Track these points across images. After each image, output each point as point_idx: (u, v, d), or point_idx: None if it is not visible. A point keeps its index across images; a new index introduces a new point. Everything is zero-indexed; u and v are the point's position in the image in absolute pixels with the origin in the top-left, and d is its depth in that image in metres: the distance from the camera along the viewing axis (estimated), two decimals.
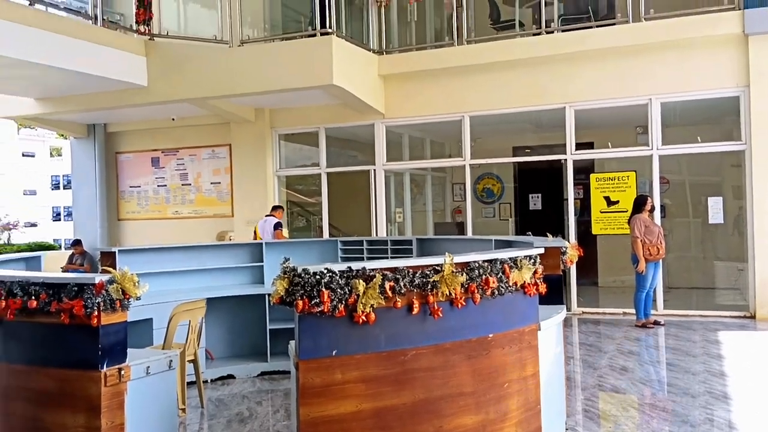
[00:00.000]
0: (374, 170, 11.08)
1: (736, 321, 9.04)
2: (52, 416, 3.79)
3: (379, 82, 10.64)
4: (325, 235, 11.25)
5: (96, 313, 3.65)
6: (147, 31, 10.21)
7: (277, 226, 9.49)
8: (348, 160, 12.51)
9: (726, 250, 11.35)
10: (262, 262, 7.53)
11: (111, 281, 3.75)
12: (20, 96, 11.21)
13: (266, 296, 6.90)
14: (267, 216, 9.90)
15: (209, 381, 6.58)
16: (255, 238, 9.70)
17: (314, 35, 9.53)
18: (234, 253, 7.72)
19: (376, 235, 10.79)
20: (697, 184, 11.91)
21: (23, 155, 55.57)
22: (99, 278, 3.70)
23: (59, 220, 54.87)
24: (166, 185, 12.68)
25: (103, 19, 9.86)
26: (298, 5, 10.96)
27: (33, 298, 3.78)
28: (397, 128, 11.29)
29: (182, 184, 12.59)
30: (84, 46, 9.26)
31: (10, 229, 16.27)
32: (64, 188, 54.51)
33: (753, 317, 9.06)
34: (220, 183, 12.34)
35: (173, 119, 12.01)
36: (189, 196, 12.56)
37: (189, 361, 5.63)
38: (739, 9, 8.94)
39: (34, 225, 23.23)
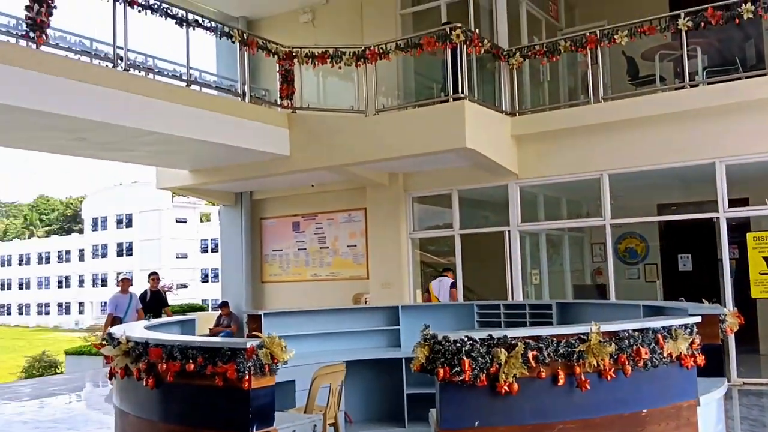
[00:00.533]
0: (509, 231, 10.93)
1: None
2: None
3: (512, 143, 10.60)
4: (460, 298, 11.15)
5: (247, 376, 3.80)
6: (290, 105, 10.86)
7: (453, 285, 10.17)
8: (481, 221, 12.44)
9: None
10: (398, 325, 7.57)
11: (260, 346, 3.91)
12: (176, 168, 12.22)
13: (403, 360, 6.91)
14: (440, 276, 10.45)
15: None
16: (429, 299, 9.91)
17: (447, 101, 9.69)
18: (370, 316, 7.83)
19: (512, 298, 10.54)
20: None
21: (177, 221, 60.11)
22: (250, 343, 3.88)
23: (207, 281, 58.43)
24: (305, 249, 13.20)
25: (250, 96, 10.63)
26: (431, 73, 11.24)
27: (191, 361, 4.01)
28: (532, 188, 11.13)
29: (320, 248, 13.05)
30: (233, 122, 10.00)
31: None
32: (212, 251, 58.21)
33: None
34: (356, 246, 12.67)
35: (312, 186, 12.58)
36: (327, 259, 12.97)
37: (330, 425, 5.69)
38: None
39: (185, 286, 24.95)
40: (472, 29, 10.07)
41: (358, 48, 10.41)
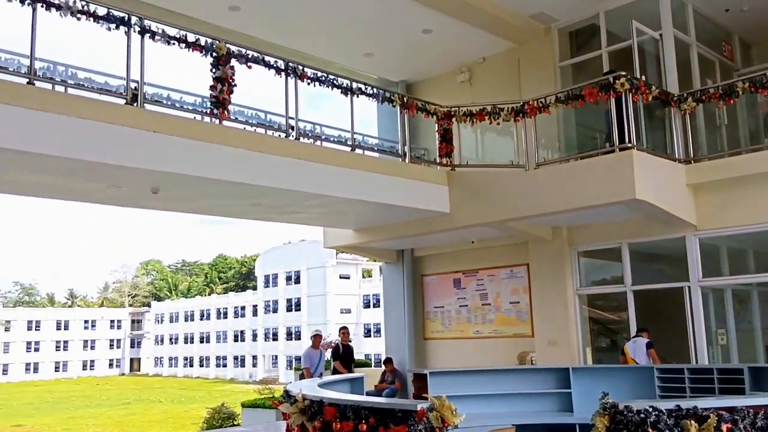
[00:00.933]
0: (689, 287, 10.13)
1: None
2: None
3: (687, 192, 9.93)
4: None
5: None
6: (449, 163, 11.00)
7: (649, 345, 9.42)
8: (655, 276, 11.65)
9: None
10: (569, 387, 7.21)
11: (431, 409, 3.88)
12: (341, 228, 12.74)
13: (577, 426, 6.55)
14: (634, 337, 9.79)
15: None
16: (625, 361, 9.38)
17: (613, 151, 9.33)
18: (538, 377, 7.55)
19: (696, 361, 9.68)
20: None
21: (340, 277, 62.36)
22: (420, 405, 3.86)
23: (369, 336, 59.63)
24: (467, 305, 13.09)
25: (410, 156, 10.92)
26: (594, 123, 10.91)
27: (363, 421, 4.06)
28: (712, 240, 10.29)
29: (482, 304, 12.88)
30: (395, 182, 10.30)
31: (332, 347, 18.00)
32: (373, 306, 59.54)
33: None
34: (518, 302, 12.36)
35: (473, 242, 12.53)
36: (489, 315, 12.76)
37: None
38: None
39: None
40: (638, 76, 9.68)
41: (516, 103, 10.39)
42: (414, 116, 10.92)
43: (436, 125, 11.04)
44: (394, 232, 11.98)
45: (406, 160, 10.85)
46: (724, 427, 3.24)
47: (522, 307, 12.29)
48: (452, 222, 10.90)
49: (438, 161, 11.10)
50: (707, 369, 7.30)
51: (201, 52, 8.46)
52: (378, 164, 10.43)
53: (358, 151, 10.37)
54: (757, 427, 3.23)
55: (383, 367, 13.86)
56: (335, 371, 12.38)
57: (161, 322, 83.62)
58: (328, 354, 12.84)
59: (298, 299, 63.74)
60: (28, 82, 7.06)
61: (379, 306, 57.78)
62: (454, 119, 10.89)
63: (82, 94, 7.53)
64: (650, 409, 3.28)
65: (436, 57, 12.88)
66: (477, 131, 11.35)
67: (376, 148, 11.00)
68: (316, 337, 12.49)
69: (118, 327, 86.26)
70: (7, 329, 73.65)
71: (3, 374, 72.98)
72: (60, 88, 7.38)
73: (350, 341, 13.37)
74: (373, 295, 60.04)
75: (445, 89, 13.23)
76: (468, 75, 13.10)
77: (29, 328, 77.97)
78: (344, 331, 13.11)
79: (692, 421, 3.25)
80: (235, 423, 21.25)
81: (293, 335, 63.64)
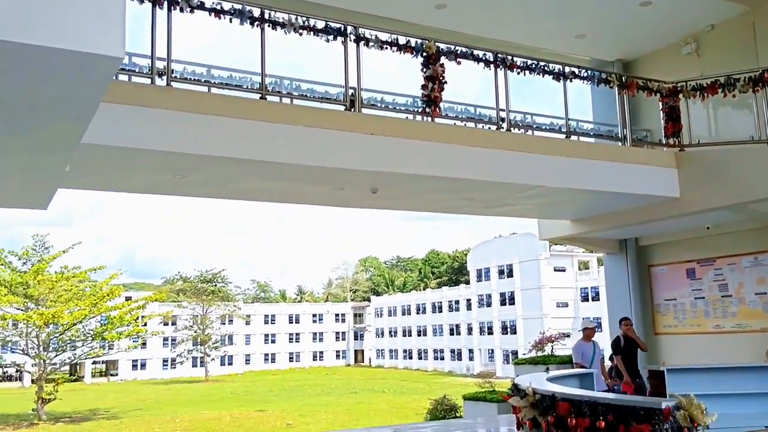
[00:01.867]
0: None
1: None
2: None
3: None
4: None
5: None
6: (677, 143, 10.18)
7: None
8: None
9: None
10: None
11: (677, 407, 3.60)
12: (557, 219, 12.34)
13: None
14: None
15: None
16: None
17: None
18: None
19: None
20: None
21: (555, 270, 60.71)
22: (665, 404, 3.60)
23: None
24: (704, 297, 11.99)
25: (631, 139, 10.26)
26: None
27: (600, 419, 3.88)
28: None
29: (722, 296, 11.71)
30: (615, 167, 9.75)
31: (552, 341, 17.57)
32: (592, 300, 57.16)
33: None
34: (766, 294, 11.06)
35: (708, 228, 11.45)
36: (730, 308, 11.57)
37: None
38: None
39: (567, 336, 24.70)
40: None
41: (754, 72, 9.32)
42: (634, 96, 10.27)
43: (660, 103, 10.28)
44: (617, 221, 11.34)
45: (627, 144, 10.23)
46: None
47: None
48: (683, 207, 10.06)
49: (664, 142, 10.31)
50: None
51: (411, 53, 8.70)
52: (596, 150, 9.97)
53: (573, 137, 9.99)
54: None
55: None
56: (614, 372, 11.02)
57: (380, 316, 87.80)
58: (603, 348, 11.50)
59: (512, 293, 63.21)
60: (260, 98, 7.77)
61: (597, 299, 55.51)
62: (680, 95, 10.06)
63: (305, 104, 8.14)
64: None
65: (656, 30, 11.92)
66: (708, 106, 10.37)
67: (592, 133, 10.50)
68: (589, 330, 11.33)
69: (342, 320, 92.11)
70: (247, 323, 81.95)
71: (246, 363, 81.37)
72: (286, 101, 8.04)
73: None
74: (591, 287, 57.69)
75: (667, 64, 12.20)
76: (694, 46, 11.95)
77: (266, 322, 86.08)
78: (626, 322, 11.11)
79: None
80: (458, 415, 21.59)
81: (508, 329, 63.26)
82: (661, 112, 10.32)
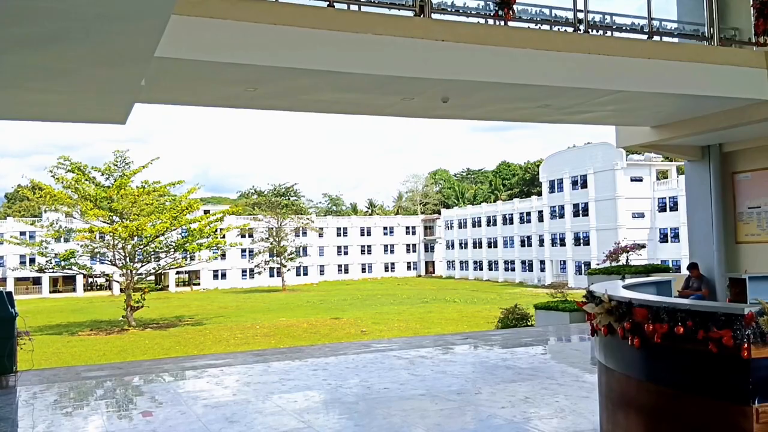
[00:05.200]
0: None
1: None
2: None
3: None
4: None
5: (746, 344, 3.48)
6: (767, 42, 9.49)
7: None
8: None
9: None
10: None
11: (761, 313, 3.53)
12: (637, 126, 11.87)
13: None
14: None
15: None
16: None
17: None
18: None
19: None
20: None
21: (631, 180, 59.04)
22: (748, 309, 3.53)
23: (665, 241, 56.13)
24: None
25: (719, 38, 9.63)
26: None
27: (679, 324, 3.85)
28: None
29: None
30: (700, 69, 9.21)
31: (628, 251, 17.34)
32: (669, 210, 55.61)
33: None
34: None
35: None
36: None
37: None
38: None
39: (642, 246, 24.35)
40: None
41: None
42: None
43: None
44: (700, 126, 10.82)
45: (714, 43, 9.61)
46: None
47: None
48: None
49: (754, 41, 9.63)
50: None
51: None
52: (680, 51, 9.41)
53: (656, 38, 9.45)
54: None
55: (687, 273, 12.94)
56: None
57: (451, 228, 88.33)
58: None
59: (585, 204, 62.15)
60: (328, 5, 7.65)
61: (675, 209, 54.01)
62: None
63: (373, 10, 7.94)
64: None
65: None
66: None
67: (676, 33, 9.90)
68: None
69: (413, 233, 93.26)
70: (320, 235, 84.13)
71: (320, 274, 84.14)
72: (354, 8, 7.87)
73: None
74: (670, 197, 56.08)
75: None
76: None
77: (338, 234, 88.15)
78: None
79: None
80: (529, 324, 21.87)
81: (581, 241, 62.64)
82: (752, 8, 9.58)
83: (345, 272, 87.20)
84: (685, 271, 13.26)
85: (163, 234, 36.79)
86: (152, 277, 45.57)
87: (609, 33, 9.27)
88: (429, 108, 9.88)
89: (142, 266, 38.01)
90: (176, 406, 7.25)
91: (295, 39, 7.14)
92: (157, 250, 38.04)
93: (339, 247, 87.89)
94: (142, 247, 37.15)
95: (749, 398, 3.49)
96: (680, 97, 9.43)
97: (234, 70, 7.24)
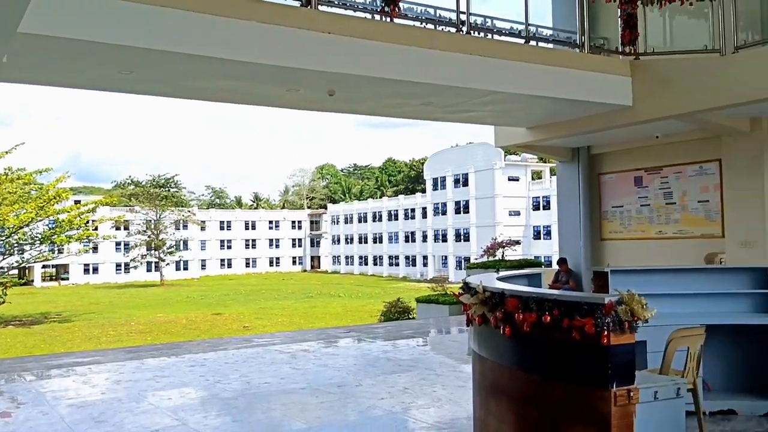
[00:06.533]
0: None
1: None
2: (563, 427, 3.99)
3: None
4: None
5: (606, 332, 3.71)
6: (632, 51, 10.18)
7: None
8: None
9: None
10: (766, 288, 6.68)
11: (620, 302, 3.77)
12: (514, 126, 12.40)
13: None
14: None
15: (707, 414, 6.09)
16: None
17: None
18: (729, 277, 7.06)
19: None
20: None
21: (509, 179, 61.65)
22: (608, 298, 3.76)
23: (539, 238, 59.06)
24: (649, 205, 12.40)
25: (589, 46, 10.22)
26: None
27: (546, 313, 4.05)
28: None
29: (666, 204, 12.13)
30: (572, 74, 9.74)
31: (504, 247, 18.17)
32: (543, 209, 58.55)
33: None
34: (708, 201, 11.49)
35: (657, 137, 11.69)
36: (674, 215, 12.02)
37: (687, 390, 5.30)
38: None
39: (518, 243, 25.57)
40: None
41: None
42: (593, 1, 10.16)
43: (619, 10, 10.19)
44: (571, 129, 11.46)
45: (585, 51, 10.19)
46: None
47: (712, 206, 11.43)
48: (636, 116, 10.19)
49: (620, 50, 10.31)
50: None
51: None
52: (554, 56, 9.91)
53: (533, 43, 9.89)
54: None
55: (557, 267, 13.70)
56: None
57: (337, 223, 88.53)
58: None
59: (466, 201, 64.26)
60: None
61: (548, 208, 56.92)
62: (639, 2, 9.98)
63: None
64: None
65: None
66: (665, 14, 10.35)
67: (551, 39, 10.41)
68: None
69: (299, 227, 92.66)
70: (203, 229, 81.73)
71: (202, 269, 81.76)
72: None
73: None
74: (543, 197, 59.00)
75: None
76: None
77: (221, 228, 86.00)
78: None
79: None
80: (411, 316, 22.33)
81: (462, 237, 64.73)
82: (619, 19, 10.25)
83: (228, 267, 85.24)
84: (555, 266, 14.04)
85: (27, 225, 34.34)
86: (15, 271, 42.46)
87: (490, 36, 9.59)
88: (316, 101, 9.83)
89: (3, 259, 35.32)
90: (38, 406, 6.81)
91: (174, 21, 6.85)
92: (21, 242, 35.48)
93: (222, 241, 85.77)
94: (3, 239, 34.50)
95: (608, 382, 3.72)
96: (553, 100, 9.93)
97: (104, 50, 6.79)
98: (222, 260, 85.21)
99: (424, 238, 71.17)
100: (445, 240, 67.51)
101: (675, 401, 3.98)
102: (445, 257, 67.01)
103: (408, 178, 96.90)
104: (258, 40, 7.42)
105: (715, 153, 11.23)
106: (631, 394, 3.73)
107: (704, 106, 9.48)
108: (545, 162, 57.27)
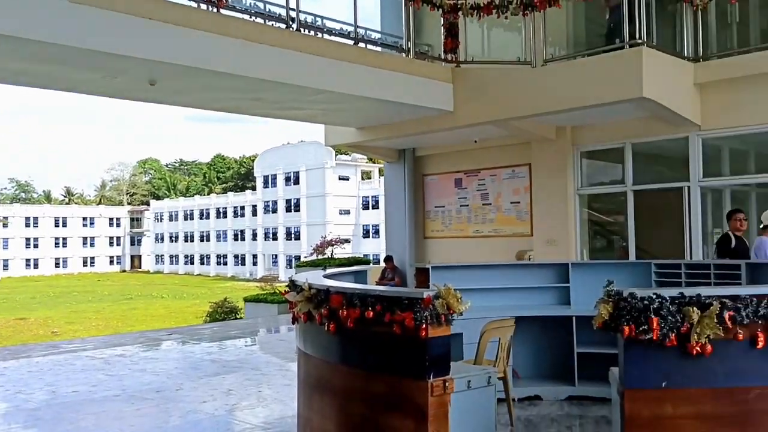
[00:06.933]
0: (688, 187, 10.17)
1: None
2: (384, 419, 4.10)
3: (694, 92, 9.78)
4: (631, 257, 10.61)
5: (424, 325, 3.86)
6: (454, 59, 10.73)
7: None
8: (655, 177, 11.64)
9: None
10: (568, 282, 7.34)
11: (437, 296, 3.94)
12: (344, 126, 12.58)
13: (574, 319, 6.72)
14: (761, 236, 8.52)
15: (516, 400, 6.57)
16: None
17: (622, 47, 9.09)
18: (538, 272, 7.65)
19: (691, 258, 9.85)
20: None
21: (339, 179, 62.50)
22: (426, 293, 3.91)
23: (368, 237, 60.45)
24: (468, 205, 13.16)
25: (415, 52, 10.63)
26: (603, 19, 10.58)
27: (370, 308, 4.13)
28: (715, 140, 10.23)
29: (483, 204, 12.94)
30: (398, 78, 10.07)
31: (333, 245, 18.42)
32: (372, 208, 60.01)
33: None
34: (519, 202, 12.42)
35: (475, 141, 12.44)
36: (489, 215, 12.85)
37: (498, 378, 5.68)
38: None
39: (347, 241, 26.07)
40: None
41: None
42: (419, 9, 10.55)
43: (442, 19, 10.68)
44: (397, 131, 11.85)
45: (411, 56, 10.57)
46: (726, 314, 3.30)
47: (522, 207, 12.36)
48: (456, 120, 10.76)
49: (443, 57, 10.82)
50: (704, 264, 7.40)
51: None
52: (381, 59, 10.17)
53: (361, 45, 10.09)
54: (759, 315, 3.30)
55: (383, 265, 14.11)
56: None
57: (161, 221, 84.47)
58: None
59: (297, 200, 64.17)
60: None
61: (377, 207, 58.42)
62: (460, 12, 10.53)
63: None
64: (654, 296, 3.34)
65: None
66: (484, 26, 11.02)
67: (379, 43, 10.68)
68: None
69: (117, 225, 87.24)
70: (5, 225, 74.41)
71: (3, 269, 74.38)
72: None
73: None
74: (372, 196, 60.44)
75: None
76: None
77: (27, 225, 78.83)
78: (738, 217, 8.52)
79: (695, 308, 3.31)
80: (238, 316, 21.87)
81: (292, 235, 64.53)
82: (442, 27, 10.75)
83: (34, 267, 78.21)
84: (383, 264, 14.46)
85: None
86: None
87: (320, 35, 9.64)
88: (135, 90, 9.29)
89: None
90: None
91: None
92: None
93: (28, 239, 78.49)
94: None
95: (426, 374, 3.88)
96: (381, 102, 10.20)
97: None
98: (27, 260, 78.08)
99: (254, 236, 70.06)
100: (275, 238, 66.92)
101: (486, 389, 4.24)
102: (276, 256, 66.45)
103: (238, 175, 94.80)
104: (68, 20, 6.86)
105: (526, 158, 12.15)
106: (447, 384, 3.90)
107: (516, 114, 10.24)
108: (374, 162, 58.79)
